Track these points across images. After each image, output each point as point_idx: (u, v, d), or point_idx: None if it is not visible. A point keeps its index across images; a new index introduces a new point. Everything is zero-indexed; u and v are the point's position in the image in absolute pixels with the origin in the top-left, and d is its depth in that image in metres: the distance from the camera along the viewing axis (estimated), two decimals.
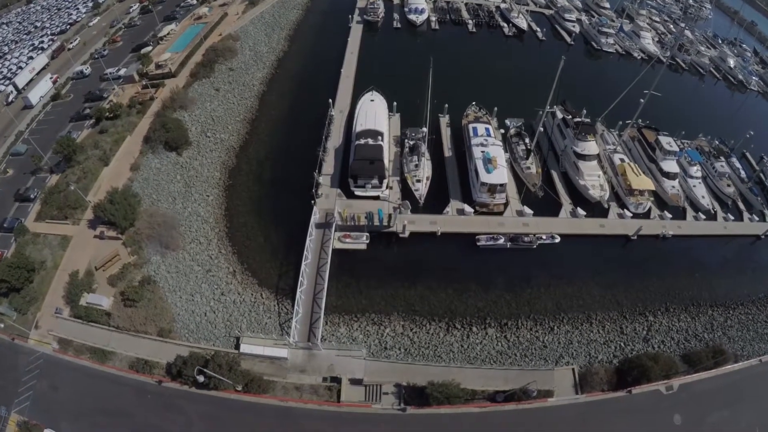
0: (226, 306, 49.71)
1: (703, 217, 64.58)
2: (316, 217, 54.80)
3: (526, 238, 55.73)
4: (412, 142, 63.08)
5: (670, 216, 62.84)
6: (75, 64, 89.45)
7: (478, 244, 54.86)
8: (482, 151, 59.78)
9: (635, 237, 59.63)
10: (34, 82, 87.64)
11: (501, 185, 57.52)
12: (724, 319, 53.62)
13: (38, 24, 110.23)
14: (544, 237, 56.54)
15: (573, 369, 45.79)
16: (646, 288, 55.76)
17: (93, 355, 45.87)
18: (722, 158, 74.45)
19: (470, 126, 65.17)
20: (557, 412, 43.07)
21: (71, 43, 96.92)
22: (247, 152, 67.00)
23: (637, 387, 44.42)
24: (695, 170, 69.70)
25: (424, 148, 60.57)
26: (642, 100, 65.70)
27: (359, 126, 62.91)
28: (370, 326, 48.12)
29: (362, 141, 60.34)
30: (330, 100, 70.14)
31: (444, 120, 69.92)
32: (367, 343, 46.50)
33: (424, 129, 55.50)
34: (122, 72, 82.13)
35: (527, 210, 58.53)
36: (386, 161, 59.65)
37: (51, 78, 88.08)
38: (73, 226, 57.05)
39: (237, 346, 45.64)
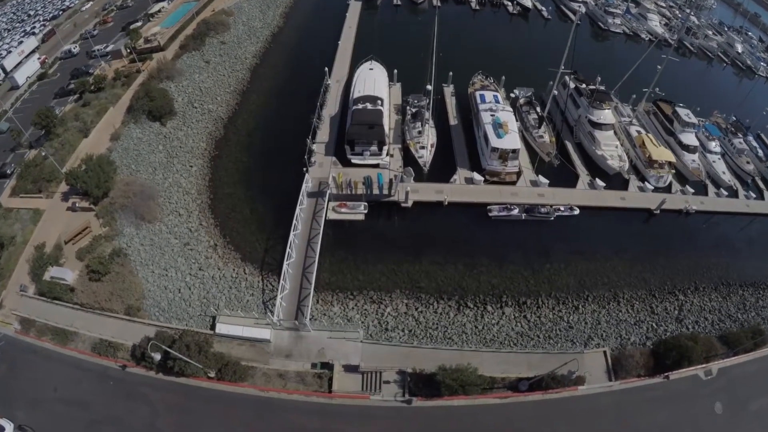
0: (203, 282, 40.49)
1: (725, 193, 55.44)
2: (308, 185, 45.61)
3: (542, 209, 46.53)
4: (414, 109, 53.94)
5: (692, 191, 53.66)
6: (64, 45, 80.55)
7: (490, 214, 45.64)
8: (492, 116, 50.64)
9: (658, 211, 50.48)
10: (22, 64, 78.96)
11: (513, 151, 48.40)
12: (756, 299, 45.21)
13: (31, 12, 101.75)
14: (562, 208, 47.37)
15: (605, 352, 36.69)
16: (673, 265, 46.72)
17: (55, 337, 37.40)
18: (740, 135, 65.43)
19: (477, 93, 56.18)
20: (589, 402, 34.02)
21: (62, 26, 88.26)
22: (235, 123, 57.94)
23: (675, 372, 35.74)
24: (714, 145, 60.88)
25: (428, 114, 51.43)
26: (659, 67, 56.94)
27: (357, 92, 53.95)
28: (368, 305, 38.83)
29: (360, 106, 51.23)
30: (326, 69, 61.01)
31: (448, 89, 60.87)
32: (365, 324, 37.25)
33: (429, 87, 46.28)
34: (110, 48, 73.02)
35: (542, 179, 49.38)
36: (386, 128, 50.43)
37: (39, 59, 79.50)
38: (46, 200, 48.47)
39: (213, 327, 36.18)
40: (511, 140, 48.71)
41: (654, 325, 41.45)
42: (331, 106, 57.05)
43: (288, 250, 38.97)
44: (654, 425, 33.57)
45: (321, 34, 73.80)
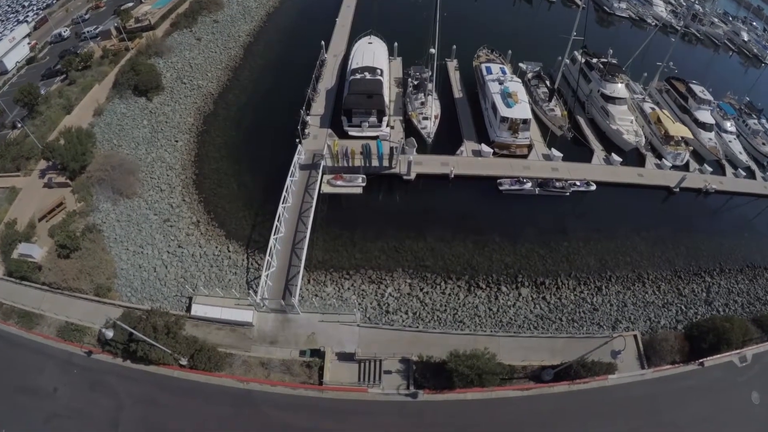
0: (181, 260, 34.26)
1: (743, 174, 49.24)
2: (301, 156, 39.41)
3: (557, 184, 40.22)
4: (416, 81, 47.69)
5: (710, 170, 47.47)
6: (55, 29, 74.76)
7: (501, 188, 39.41)
8: (500, 86, 44.43)
9: (677, 189, 44.26)
10: (12, 50, 73.14)
11: (524, 121, 42.19)
12: None
13: (26, 3, 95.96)
14: (578, 183, 41.06)
15: (635, 336, 30.58)
16: (696, 246, 40.68)
17: (20, 320, 31.65)
18: (754, 116, 59.29)
19: (483, 66, 50.00)
20: (621, 394, 28.04)
21: (55, 14, 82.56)
22: (226, 98, 51.63)
23: (710, 358, 30.26)
24: (730, 125, 54.59)
25: (431, 86, 45.17)
26: (673, 39, 50.84)
27: (355, 64, 47.58)
28: (366, 285, 32.54)
29: (358, 76, 44.99)
30: (323, 42, 54.75)
31: (452, 64, 54.47)
32: (362, 306, 30.96)
33: (432, 50, 39.91)
34: (99, 29, 67.15)
35: (556, 153, 43.14)
36: (386, 98, 44.13)
37: (29, 44, 73.82)
38: (24, 178, 42.79)
39: (189, 308, 29.84)
40: (522, 110, 42.53)
41: (683, 307, 35.48)
42: (327, 80, 50.80)
43: (276, 223, 32.69)
44: (691, 419, 27.63)
45: (319, 13, 67.47)
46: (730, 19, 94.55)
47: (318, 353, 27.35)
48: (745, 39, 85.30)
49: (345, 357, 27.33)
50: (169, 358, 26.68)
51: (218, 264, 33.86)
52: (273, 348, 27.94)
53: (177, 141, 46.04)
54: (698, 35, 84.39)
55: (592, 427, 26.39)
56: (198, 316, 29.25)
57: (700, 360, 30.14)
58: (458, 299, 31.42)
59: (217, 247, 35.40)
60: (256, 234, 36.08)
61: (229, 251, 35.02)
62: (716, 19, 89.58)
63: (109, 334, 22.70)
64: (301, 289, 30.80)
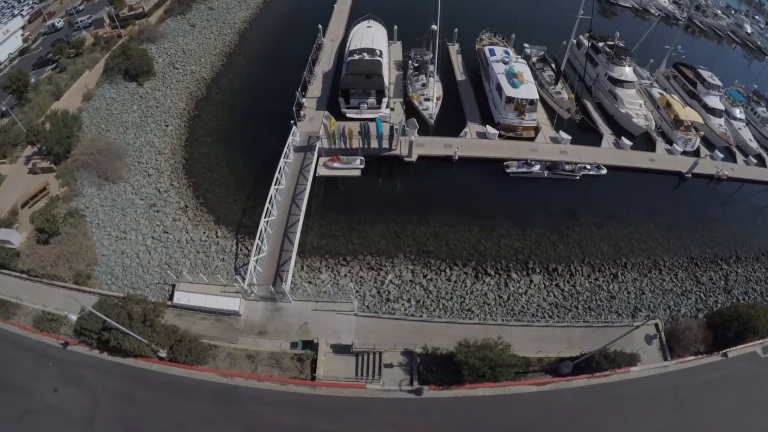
0: (166, 246, 30.92)
1: (754, 161, 45.90)
2: (296, 138, 35.99)
3: (567, 167, 36.81)
4: (417, 64, 44.33)
5: (721, 156, 44.16)
6: (49, 20, 71.48)
7: (508, 171, 36.05)
8: (505, 66, 41.06)
9: (689, 175, 40.93)
10: (4, 42, 69.99)
11: (531, 102, 38.88)
12: None
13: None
14: (588, 167, 37.67)
15: (657, 324, 27.30)
16: (711, 233, 37.49)
17: None
18: (762, 104, 55.98)
19: (486, 48, 46.56)
20: (643, 387, 24.69)
21: (50, 7, 79.22)
22: (219, 83, 48.23)
23: (734, 348, 27.10)
24: (739, 112, 51.33)
25: (432, 67, 41.79)
26: (681, 21, 47.53)
27: (353, 46, 44.11)
28: (364, 271, 29.14)
29: (356, 57, 41.59)
30: (320, 26, 51.35)
31: (454, 48, 51.05)
32: (360, 293, 27.50)
33: (435, 26, 36.47)
34: (92, 18, 63.92)
35: (564, 135, 39.74)
36: (386, 80, 40.73)
37: (22, 35, 70.55)
38: (9, 165, 39.55)
39: (172, 297, 26.42)
40: (528, 90, 39.20)
41: (702, 295, 32.32)
42: (324, 63, 47.43)
43: (267, 205, 29.27)
44: (717, 412, 24.42)
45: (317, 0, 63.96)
46: (733, 12, 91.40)
47: (311, 345, 23.94)
48: (749, 31, 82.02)
49: (341, 349, 23.96)
50: (146, 349, 23.30)
51: (205, 250, 30.48)
52: (261, 339, 24.55)
53: (167, 125, 42.64)
54: (701, 26, 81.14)
55: (615, 424, 23.01)
56: (180, 305, 25.87)
57: (724, 351, 26.88)
58: (465, 286, 28.03)
59: (205, 233, 32.02)
60: (247, 219, 32.68)
61: (217, 237, 31.66)
62: (719, 11, 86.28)
63: (72, 318, 19.37)
64: (293, 275, 27.46)
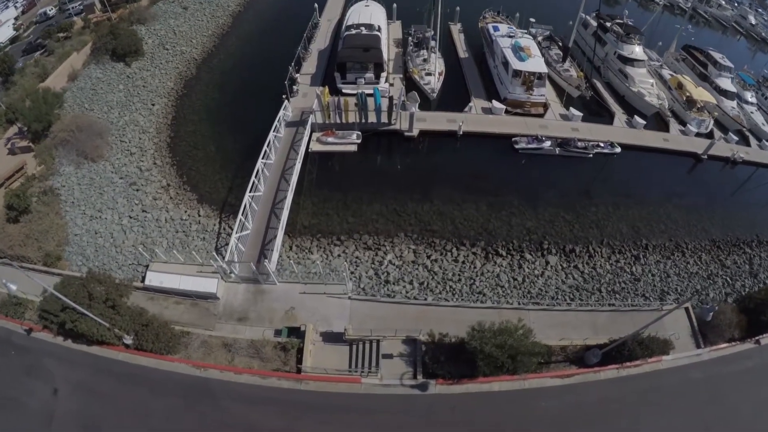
0: (143, 224, 26.95)
1: None
2: (287, 112, 31.91)
3: (579, 144, 32.77)
4: (416, 40, 40.37)
5: (736, 138, 40.24)
6: (41, 9, 67.80)
7: (517, 147, 32.08)
8: (511, 40, 37.09)
9: (705, 156, 36.97)
10: None
11: (539, 77, 34.87)
12: None
13: None
14: (602, 144, 33.62)
15: (688, 308, 23.30)
16: (730, 216, 33.61)
17: None
18: None
19: (490, 25, 42.56)
20: (676, 378, 20.74)
21: None
22: (210, 63, 44.29)
23: (765, 335, 23.52)
24: (751, 96, 47.30)
25: (434, 43, 37.78)
26: (686, 11, 44.01)
27: (350, 22, 40.13)
28: (360, 252, 25.09)
29: (353, 31, 37.62)
30: (315, 5, 47.34)
31: (456, 27, 47.05)
32: (356, 275, 23.37)
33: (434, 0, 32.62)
34: (84, 3, 60.13)
35: (575, 112, 35.76)
36: (385, 55, 36.74)
37: (14, 24, 67.05)
38: None
39: (144, 279, 22.38)
40: (536, 63, 35.22)
41: (729, 279, 28.48)
42: (320, 41, 43.51)
43: (253, 179, 25.25)
44: (757, 407, 20.63)
45: None
46: (736, 4, 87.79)
47: (297, 333, 19.85)
48: (753, 22, 78.17)
49: (332, 337, 19.93)
50: (109, 334, 19.26)
51: (185, 229, 26.51)
52: (241, 327, 20.51)
53: (153, 104, 38.69)
54: (706, 16, 77.35)
55: (649, 422, 18.96)
56: (152, 287, 21.84)
57: (756, 337, 23.22)
58: (474, 267, 23.98)
59: (186, 212, 28.04)
60: (233, 197, 28.66)
61: (199, 215, 27.66)
62: (723, 2, 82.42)
63: (12, 287, 15.49)
64: (280, 255, 23.40)
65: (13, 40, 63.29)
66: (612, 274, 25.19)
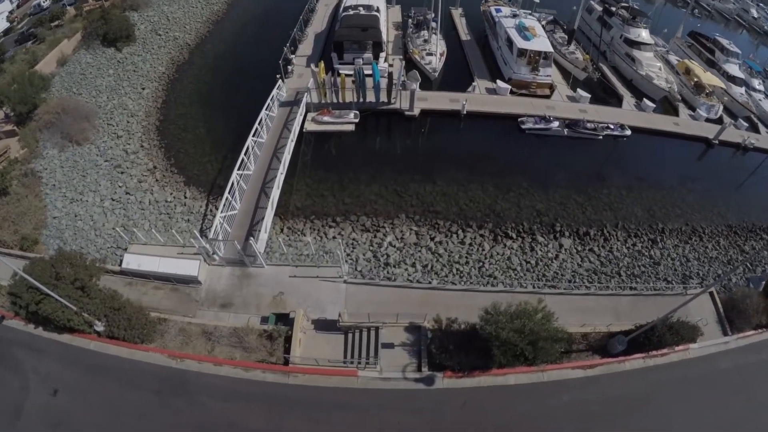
0: (126, 207, 24.29)
1: None
2: (281, 92, 29.32)
3: (589, 125, 30.23)
4: (416, 22, 37.89)
5: (745, 125, 37.75)
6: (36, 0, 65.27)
7: (523, 127, 29.56)
8: (515, 21, 34.59)
9: (716, 141, 34.47)
10: None
11: (545, 56, 32.33)
12: None
13: None
14: (611, 126, 31.08)
15: (712, 293, 20.65)
16: (745, 202, 31.25)
17: None
18: None
19: (492, 8, 40.00)
20: (705, 368, 18.23)
21: None
22: (203, 48, 41.89)
23: None
24: (758, 83, 44.78)
25: (435, 24, 35.25)
26: (688, 2, 41.56)
27: (348, 3, 37.59)
28: (357, 233, 22.56)
29: (351, 12, 35.11)
30: None
31: (457, 11, 44.52)
32: (352, 257, 20.78)
33: None
34: None
35: (583, 93, 33.23)
36: (384, 35, 34.23)
37: (9, 17, 64.70)
38: None
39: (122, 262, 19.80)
40: (541, 43, 32.75)
41: (749, 264, 26.03)
42: (316, 24, 41.09)
43: (243, 157, 22.69)
44: None
45: None
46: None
47: (286, 320, 17.24)
48: (755, 16, 75.84)
49: (324, 325, 17.34)
50: (78, 319, 16.66)
51: (169, 211, 24.00)
52: (225, 313, 17.92)
53: (144, 89, 36.25)
54: (708, 9, 74.95)
55: (680, 416, 16.39)
56: (130, 270, 19.25)
57: None
58: (483, 250, 21.46)
59: (171, 194, 25.55)
60: (222, 179, 26.09)
61: (185, 197, 25.17)
62: None
63: None
64: (270, 237, 20.80)
65: (6, 32, 61.12)
66: (630, 257, 22.67)
